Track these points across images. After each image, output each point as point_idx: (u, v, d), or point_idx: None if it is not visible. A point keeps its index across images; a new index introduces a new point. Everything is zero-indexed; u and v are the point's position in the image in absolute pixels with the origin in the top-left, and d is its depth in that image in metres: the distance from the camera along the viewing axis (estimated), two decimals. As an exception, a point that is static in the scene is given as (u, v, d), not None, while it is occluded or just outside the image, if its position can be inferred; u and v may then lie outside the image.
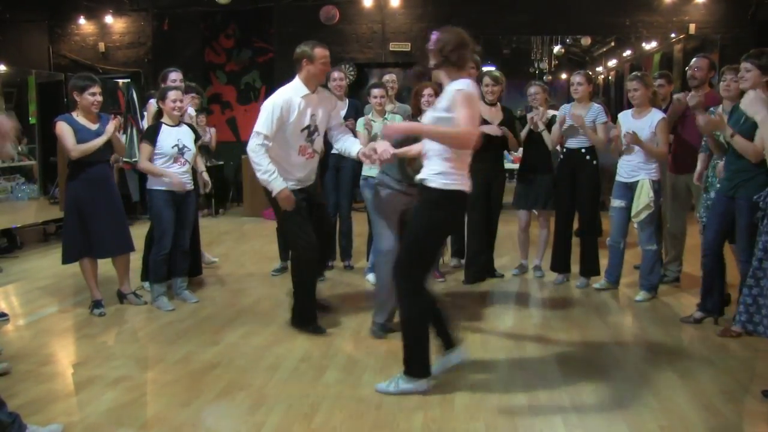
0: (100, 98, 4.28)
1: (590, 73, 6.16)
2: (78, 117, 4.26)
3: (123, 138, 4.71)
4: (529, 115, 5.11)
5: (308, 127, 3.92)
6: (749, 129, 3.68)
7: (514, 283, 5.26)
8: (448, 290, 5.02)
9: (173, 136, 4.52)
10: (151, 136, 4.50)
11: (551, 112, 5.27)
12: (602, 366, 3.48)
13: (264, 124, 3.80)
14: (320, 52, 3.93)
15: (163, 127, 4.52)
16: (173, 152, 4.50)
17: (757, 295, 3.23)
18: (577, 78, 4.92)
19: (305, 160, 3.98)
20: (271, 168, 3.77)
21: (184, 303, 4.65)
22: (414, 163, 3.50)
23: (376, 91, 4.98)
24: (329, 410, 2.96)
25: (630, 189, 4.63)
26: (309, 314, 3.97)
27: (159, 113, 4.62)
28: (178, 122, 4.60)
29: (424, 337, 3.09)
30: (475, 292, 4.95)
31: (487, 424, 2.82)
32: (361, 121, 4.93)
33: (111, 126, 4.26)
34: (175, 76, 4.98)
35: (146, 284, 4.81)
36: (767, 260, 3.23)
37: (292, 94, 3.91)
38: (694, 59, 4.84)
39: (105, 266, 4.66)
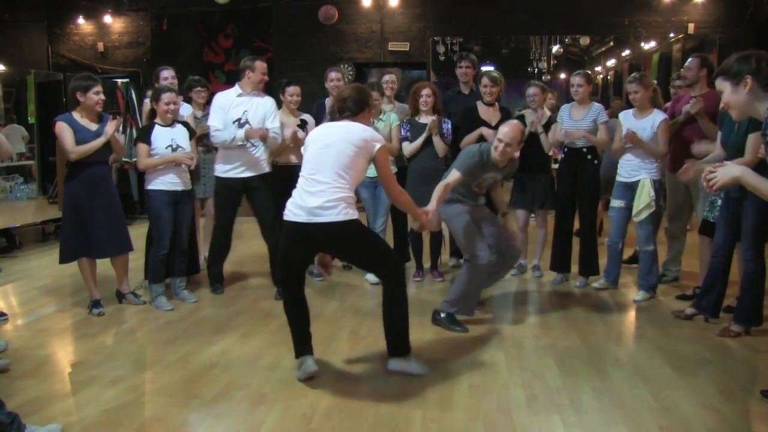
0: (103, 97, 4.29)
1: (590, 73, 6.16)
2: (78, 117, 4.25)
3: (122, 138, 4.69)
4: (529, 119, 5.10)
5: (239, 119, 4.70)
6: (742, 138, 3.69)
7: (512, 282, 5.25)
8: (446, 290, 5.01)
9: (167, 136, 4.52)
10: (144, 136, 4.50)
11: (549, 113, 5.28)
12: (601, 366, 3.48)
13: (213, 118, 4.77)
14: (260, 65, 4.79)
15: (157, 127, 4.52)
16: (167, 152, 4.49)
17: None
18: (577, 79, 4.91)
19: (239, 148, 4.74)
20: (228, 135, 4.65)
21: (182, 303, 4.65)
22: (481, 184, 4.12)
23: (372, 94, 4.97)
24: (328, 410, 2.96)
25: (631, 189, 4.63)
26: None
27: (152, 113, 4.61)
28: (172, 122, 4.60)
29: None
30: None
31: (485, 424, 2.82)
32: None
33: (110, 127, 4.26)
34: (167, 74, 4.99)
35: (145, 282, 4.81)
36: None
37: (229, 94, 4.81)
38: (688, 60, 4.85)
39: (104, 266, 4.66)
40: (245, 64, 4.81)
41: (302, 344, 3.37)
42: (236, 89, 4.82)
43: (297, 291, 3.36)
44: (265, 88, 4.95)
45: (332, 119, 3.31)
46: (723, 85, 2.60)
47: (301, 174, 3.21)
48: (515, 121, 4.07)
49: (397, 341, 3.32)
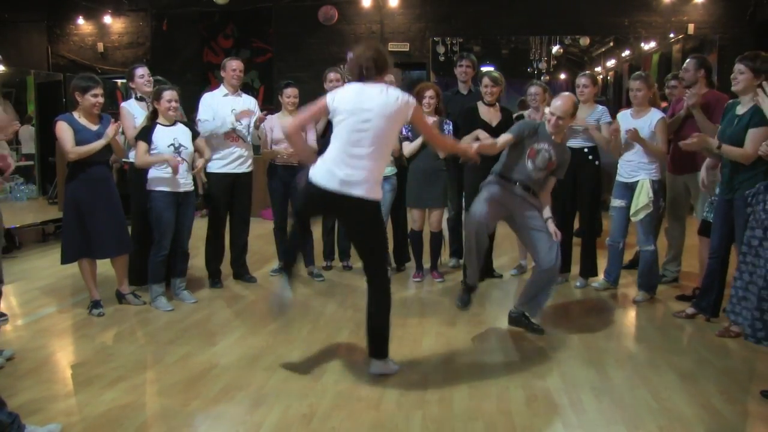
0: (101, 100, 4.27)
1: (594, 74, 6.14)
2: (79, 117, 4.25)
3: (122, 139, 4.70)
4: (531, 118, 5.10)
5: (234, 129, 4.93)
6: (742, 130, 3.70)
7: (512, 283, 5.25)
8: (446, 290, 5.02)
9: (169, 136, 4.51)
10: (144, 135, 4.49)
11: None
12: (601, 366, 3.48)
13: (202, 112, 4.99)
14: (229, 63, 5.07)
15: (158, 127, 4.51)
16: (169, 151, 4.49)
17: (740, 287, 3.31)
18: (582, 80, 4.91)
19: (229, 143, 4.98)
20: (216, 123, 4.88)
21: (182, 303, 4.65)
22: (536, 157, 3.93)
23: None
24: (328, 410, 2.96)
25: (630, 189, 4.63)
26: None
27: (154, 113, 4.60)
28: (174, 122, 4.60)
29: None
30: (475, 293, 4.94)
31: (485, 424, 2.82)
32: None
33: (111, 130, 4.24)
34: (142, 71, 5.00)
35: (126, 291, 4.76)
36: (750, 255, 3.30)
37: (215, 95, 5.07)
38: (686, 60, 4.85)
39: (103, 266, 4.65)
40: (221, 64, 5.15)
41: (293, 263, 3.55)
42: (222, 89, 5.09)
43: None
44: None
45: (359, 80, 3.19)
46: (746, 71, 3.04)
47: (335, 140, 3.18)
48: (567, 93, 4.02)
49: (380, 343, 3.34)
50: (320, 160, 3.20)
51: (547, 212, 3.98)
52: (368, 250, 3.33)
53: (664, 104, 5.44)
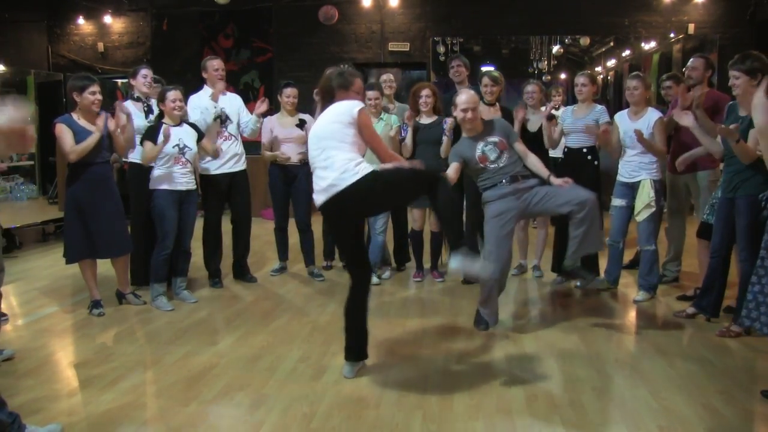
0: (99, 97, 4.26)
1: (594, 74, 6.14)
2: (78, 118, 4.25)
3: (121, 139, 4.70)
4: (530, 117, 5.09)
5: (219, 116, 5.00)
6: (745, 130, 3.70)
7: (513, 283, 5.24)
8: (447, 290, 5.02)
9: (174, 136, 4.52)
10: (150, 135, 4.49)
11: (552, 106, 5.27)
12: (601, 366, 3.48)
13: (191, 115, 4.93)
14: (209, 63, 5.10)
15: (164, 126, 4.51)
16: (174, 152, 4.50)
17: (758, 292, 3.24)
18: (581, 79, 4.91)
19: (220, 141, 5.01)
20: (201, 115, 4.90)
21: (182, 303, 4.65)
22: (487, 158, 4.04)
23: (370, 93, 4.98)
24: (328, 410, 2.96)
25: (631, 189, 4.63)
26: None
27: (160, 114, 4.62)
28: (180, 122, 4.60)
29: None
30: (474, 293, 4.94)
31: (485, 424, 2.82)
32: None
33: (100, 120, 4.23)
34: (145, 72, 5.02)
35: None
36: None
37: (201, 96, 5.07)
38: (691, 59, 4.84)
39: (103, 266, 4.65)
40: (203, 64, 5.16)
41: (353, 347, 3.38)
42: (206, 90, 5.08)
43: (361, 282, 3.34)
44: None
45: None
46: (741, 75, 3.01)
47: (313, 170, 3.29)
48: (464, 89, 4.24)
49: (458, 232, 3.40)
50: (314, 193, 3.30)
51: (543, 172, 4.07)
52: (402, 197, 3.56)
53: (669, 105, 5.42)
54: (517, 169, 4.00)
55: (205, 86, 5.10)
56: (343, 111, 3.25)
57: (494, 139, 4.03)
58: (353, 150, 3.20)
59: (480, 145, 4.02)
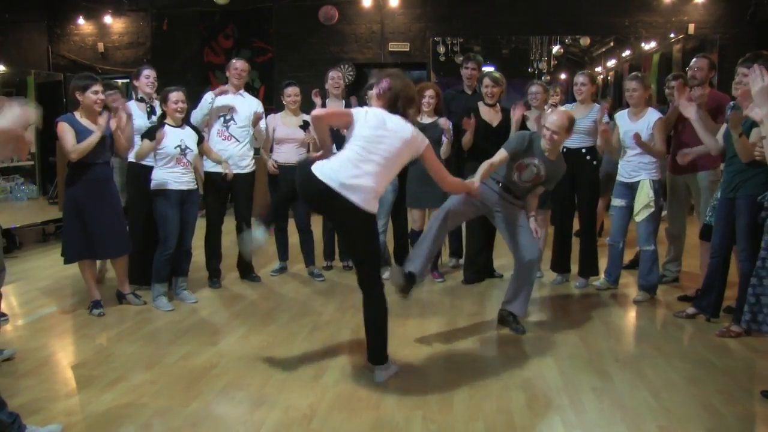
0: (102, 96, 4.27)
1: (593, 73, 6.14)
2: (80, 117, 4.25)
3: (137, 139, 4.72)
4: (532, 117, 5.08)
5: (224, 115, 5.03)
6: (747, 130, 3.70)
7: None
8: (446, 290, 5.02)
9: (176, 137, 4.52)
10: (150, 134, 4.49)
11: (553, 105, 5.27)
12: (601, 366, 3.48)
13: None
14: (233, 63, 5.16)
15: (166, 127, 4.51)
16: (175, 153, 4.50)
17: (760, 294, 3.24)
18: (580, 78, 4.91)
19: (221, 141, 5.04)
20: (198, 112, 4.96)
21: (182, 303, 4.65)
22: (524, 171, 3.93)
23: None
24: (328, 410, 2.96)
25: (631, 189, 4.64)
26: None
27: (162, 114, 4.62)
28: (181, 123, 4.60)
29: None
30: (474, 293, 4.96)
31: (485, 424, 2.82)
32: None
33: (102, 120, 4.24)
34: (148, 72, 5.03)
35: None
36: None
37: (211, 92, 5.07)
38: (694, 59, 4.84)
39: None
40: (228, 65, 5.22)
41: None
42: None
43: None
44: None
45: (388, 109, 3.28)
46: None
47: (350, 146, 3.19)
48: (563, 109, 4.09)
49: (380, 350, 3.33)
50: (328, 160, 3.20)
51: (531, 210, 4.07)
52: (359, 260, 3.35)
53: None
54: (517, 194, 4.01)
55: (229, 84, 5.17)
56: (413, 136, 3.21)
57: (543, 171, 3.93)
58: (387, 179, 3.23)
59: (535, 161, 3.91)
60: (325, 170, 3.12)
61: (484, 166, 3.84)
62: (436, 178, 3.45)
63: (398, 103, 3.25)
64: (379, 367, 3.31)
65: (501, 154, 3.92)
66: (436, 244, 4.05)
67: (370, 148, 3.14)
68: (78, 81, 4.24)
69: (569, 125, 3.92)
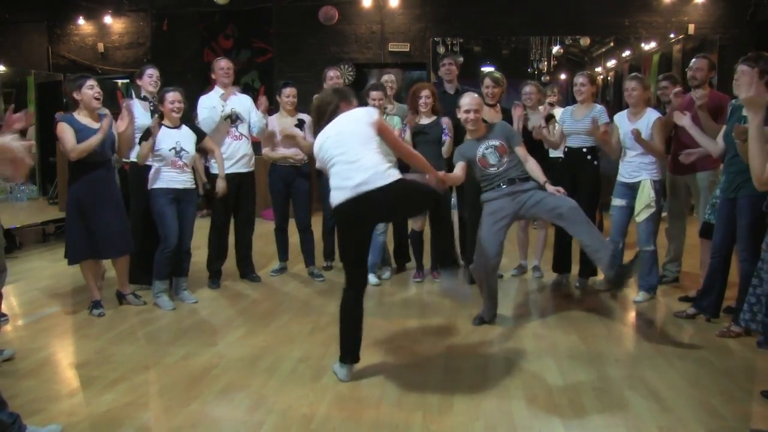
0: (99, 90, 4.27)
1: (593, 74, 6.14)
2: (80, 117, 4.25)
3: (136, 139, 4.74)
4: (531, 118, 5.09)
5: (229, 116, 5.04)
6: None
7: (513, 283, 5.26)
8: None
9: (172, 138, 4.52)
10: (147, 136, 4.49)
11: (549, 108, 5.26)
12: (601, 366, 3.48)
13: (199, 115, 5.05)
14: (216, 63, 5.17)
15: (163, 128, 4.51)
16: (170, 155, 4.49)
17: (761, 294, 3.23)
18: (580, 79, 4.91)
19: (230, 140, 5.07)
20: (207, 118, 4.98)
21: (182, 303, 4.65)
22: (488, 159, 4.09)
23: (374, 94, 4.98)
24: (328, 411, 2.96)
25: (632, 189, 4.63)
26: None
27: (160, 115, 4.62)
28: (179, 124, 4.60)
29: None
30: (474, 293, 4.94)
31: (485, 425, 2.82)
32: None
33: (105, 123, 4.24)
34: (151, 71, 5.02)
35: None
36: None
37: (211, 96, 5.13)
38: (693, 60, 4.83)
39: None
40: (211, 68, 5.24)
41: (352, 350, 3.34)
42: (217, 90, 5.14)
43: (361, 285, 3.36)
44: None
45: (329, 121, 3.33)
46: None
47: (330, 167, 3.21)
48: (468, 92, 4.27)
49: (449, 254, 3.38)
50: (331, 190, 3.20)
51: (540, 178, 4.10)
52: (417, 209, 3.57)
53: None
54: (517, 173, 4.05)
55: (216, 87, 5.15)
56: (361, 115, 3.24)
57: (495, 142, 4.06)
58: (380, 153, 3.17)
59: (481, 148, 4.07)
60: (337, 196, 3.14)
61: (454, 178, 4.00)
62: (393, 149, 3.35)
63: (324, 116, 3.32)
64: (448, 273, 3.29)
65: (458, 164, 4.08)
66: (494, 292, 4.22)
67: (341, 148, 3.17)
68: (71, 82, 4.26)
69: (480, 100, 4.18)
